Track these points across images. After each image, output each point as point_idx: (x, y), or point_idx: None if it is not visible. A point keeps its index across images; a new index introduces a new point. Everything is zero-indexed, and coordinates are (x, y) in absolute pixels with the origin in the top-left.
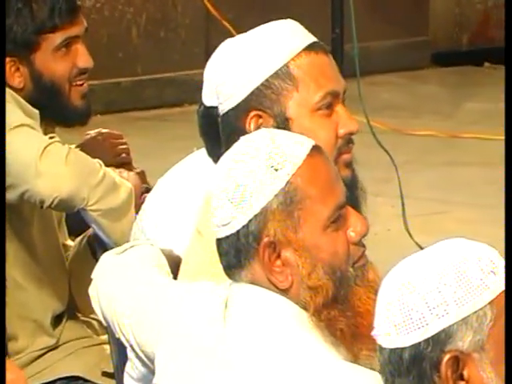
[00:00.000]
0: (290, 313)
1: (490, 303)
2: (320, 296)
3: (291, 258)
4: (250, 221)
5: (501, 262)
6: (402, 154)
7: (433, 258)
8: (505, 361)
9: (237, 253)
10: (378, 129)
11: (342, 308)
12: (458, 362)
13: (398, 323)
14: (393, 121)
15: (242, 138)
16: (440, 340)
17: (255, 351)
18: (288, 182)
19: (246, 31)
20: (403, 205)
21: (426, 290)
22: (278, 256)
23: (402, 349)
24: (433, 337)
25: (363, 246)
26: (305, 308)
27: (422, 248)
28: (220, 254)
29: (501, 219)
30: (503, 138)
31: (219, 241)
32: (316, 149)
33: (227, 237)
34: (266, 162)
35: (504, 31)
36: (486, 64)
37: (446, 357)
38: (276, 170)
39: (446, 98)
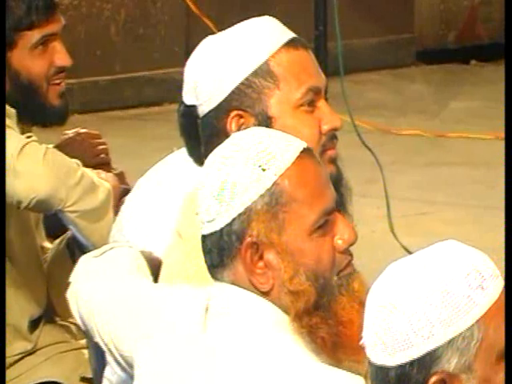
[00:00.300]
0: (271, 316)
1: (477, 321)
2: (301, 301)
3: (273, 260)
4: (234, 219)
5: (490, 272)
6: (387, 153)
7: (418, 275)
8: (505, 361)
9: (220, 251)
10: (363, 128)
11: (324, 316)
12: (444, 383)
13: (384, 341)
14: (377, 120)
15: (233, 135)
16: (426, 362)
17: (235, 356)
18: (274, 183)
19: (227, 28)
20: (388, 205)
21: (411, 311)
22: (261, 257)
23: (389, 368)
24: (418, 359)
25: (350, 254)
26: (286, 312)
27: (407, 250)
28: (204, 252)
29: (487, 220)
30: (490, 137)
31: (204, 237)
32: (306, 151)
33: (211, 234)
34: (254, 161)
35: (505, 30)
36: (473, 62)
37: (433, 378)
38: (263, 169)
39: (432, 97)
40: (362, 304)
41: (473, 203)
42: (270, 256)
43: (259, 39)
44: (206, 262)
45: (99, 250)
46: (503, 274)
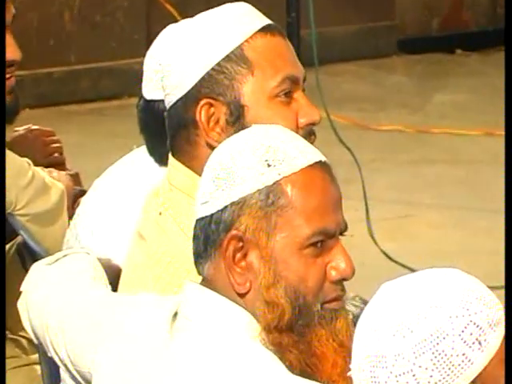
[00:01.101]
0: (244, 326)
1: (473, 382)
2: (273, 315)
3: (255, 263)
4: (226, 207)
5: (489, 320)
6: (366, 151)
7: (408, 327)
8: (505, 361)
9: (205, 239)
10: (339, 124)
11: (296, 340)
12: None
13: None
14: (355, 115)
15: (254, 126)
16: None
17: (202, 370)
18: (276, 183)
19: (191, 16)
20: (367, 208)
21: (399, 370)
22: (244, 257)
23: None
24: None
25: (342, 289)
26: (259, 321)
27: (387, 256)
28: (193, 238)
29: (471, 223)
30: (477, 133)
31: (195, 222)
32: (324, 165)
33: (201, 219)
34: (262, 155)
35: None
36: (459, 51)
37: None
38: (269, 165)
39: (414, 89)
40: (341, 345)
41: (458, 205)
42: (253, 257)
43: (233, 23)
44: (193, 249)
45: (52, 256)
46: (500, 278)
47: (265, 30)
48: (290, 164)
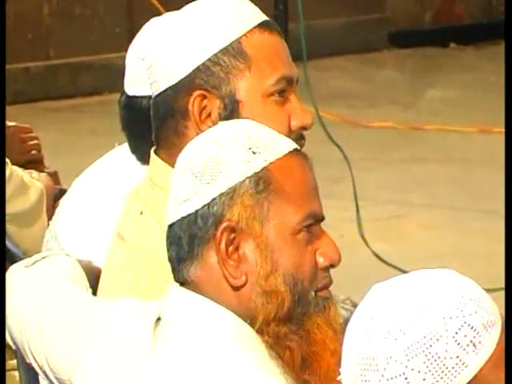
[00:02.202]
0: (230, 331)
1: None
2: (273, 304)
3: (250, 254)
4: (214, 200)
5: (484, 320)
6: (356, 149)
7: (400, 329)
8: (505, 361)
9: (190, 239)
10: (329, 120)
11: (295, 329)
12: None
13: None
14: (345, 111)
15: (220, 123)
16: None
17: (189, 374)
18: (265, 168)
19: (175, 9)
20: (357, 208)
21: (391, 373)
22: (236, 249)
23: None
24: None
25: (330, 277)
26: (254, 317)
27: (378, 257)
28: (170, 244)
29: (464, 223)
30: (470, 130)
31: (171, 227)
32: (300, 152)
33: (183, 218)
34: (244, 143)
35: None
36: (452, 45)
37: None
38: (254, 152)
39: (406, 85)
40: (335, 333)
41: (450, 205)
42: (247, 248)
43: (231, 15)
44: (169, 256)
45: (31, 258)
46: (495, 280)
47: (263, 26)
48: (273, 150)
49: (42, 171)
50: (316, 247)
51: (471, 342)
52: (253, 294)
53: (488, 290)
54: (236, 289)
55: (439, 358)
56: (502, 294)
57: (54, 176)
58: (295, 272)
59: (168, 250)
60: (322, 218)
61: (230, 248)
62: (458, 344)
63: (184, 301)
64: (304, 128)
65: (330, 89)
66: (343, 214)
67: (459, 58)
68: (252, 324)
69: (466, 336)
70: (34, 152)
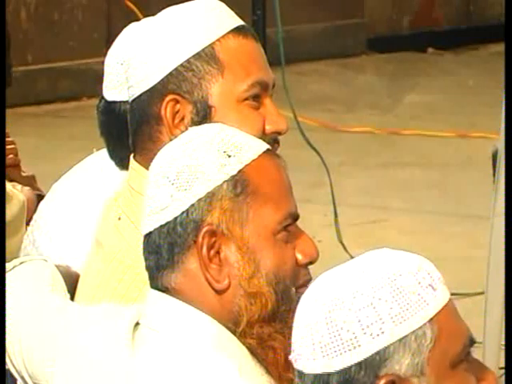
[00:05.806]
0: (210, 336)
1: (429, 321)
2: (257, 306)
3: (232, 257)
4: (193, 205)
5: (438, 275)
6: (334, 154)
7: (364, 270)
8: (505, 361)
9: (170, 247)
10: (307, 125)
11: (279, 328)
12: None
13: (324, 344)
14: (323, 116)
15: (190, 128)
16: (374, 363)
17: (169, 380)
18: (241, 171)
19: (153, 14)
20: (336, 213)
21: (359, 305)
22: (217, 253)
23: (330, 374)
24: (366, 359)
25: (310, 275)
26: (237, 320)
27: None
28: (148, 253)
29: (443, 228)
30: (449, 135)
31: (148, 236)
32: (272, 152)
33: (161, 227)
34: (218, 147)
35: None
36: (430, 50)
37: (381, 382)
38: (229, 155)
39: (385, 90)
40: None
41: (430, 210)
42: (229, 251)
43: (205, 20)
44: (147, 266)
45: (9, 263)
46: (475, 284)
47: (238, 30)
48: (247, 152)
49: (19, 175)
50: (294, 245)
51: (430, 285)
52: (236, 297)
53: (468, 295)
54: (219, 293)
55: (404, 290)
56: (482, 298)
57: (31, 180)
58: (277, 271)
59: (146, 259)
60: (298, 217)
61: (212, 252)
62: (419, 283)
63: (164, 306)
64: (278, 133)
65: (309, 93)
66: (321, 219)
67: (437, 63)
68: (235, 327)
69: (424, 278)
70: (10, 156)
